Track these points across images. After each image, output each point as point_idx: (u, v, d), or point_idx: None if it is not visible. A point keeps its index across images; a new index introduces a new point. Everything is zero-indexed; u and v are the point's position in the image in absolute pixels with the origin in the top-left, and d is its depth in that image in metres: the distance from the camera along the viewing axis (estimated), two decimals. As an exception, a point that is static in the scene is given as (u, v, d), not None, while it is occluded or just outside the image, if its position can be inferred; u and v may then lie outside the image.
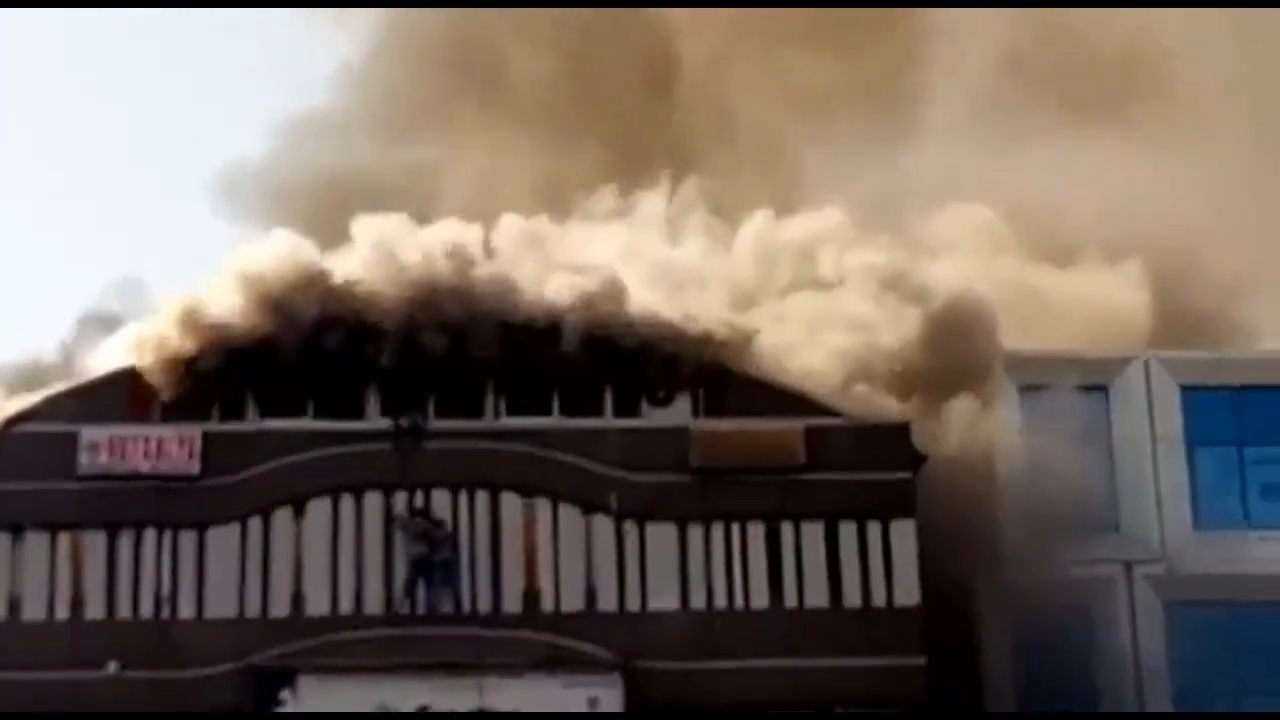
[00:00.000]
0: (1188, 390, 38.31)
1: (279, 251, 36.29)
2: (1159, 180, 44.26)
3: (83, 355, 38.58)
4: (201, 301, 35.85)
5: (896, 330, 37.34)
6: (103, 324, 39.39)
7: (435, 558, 35.26)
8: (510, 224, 38.41)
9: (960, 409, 36.97)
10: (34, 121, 68.09)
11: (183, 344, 35.51)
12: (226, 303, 35.64)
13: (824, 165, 46.96)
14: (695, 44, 49.45)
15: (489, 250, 37.28)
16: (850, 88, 47.63)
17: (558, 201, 42.51)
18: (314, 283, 35.67)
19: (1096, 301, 40.22)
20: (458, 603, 35.16)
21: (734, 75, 49.07)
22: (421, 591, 35.23)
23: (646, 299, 36.75)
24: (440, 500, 35.54)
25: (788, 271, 39.53)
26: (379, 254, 36.23)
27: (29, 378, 37.94)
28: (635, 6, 48.59)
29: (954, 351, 37.10)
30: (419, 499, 35.50)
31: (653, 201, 41.77)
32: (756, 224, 40.50)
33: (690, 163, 45.09)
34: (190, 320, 35.55)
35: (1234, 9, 47.26)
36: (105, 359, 36.94)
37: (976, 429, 36.96)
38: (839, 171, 45.83)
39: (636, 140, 47.20)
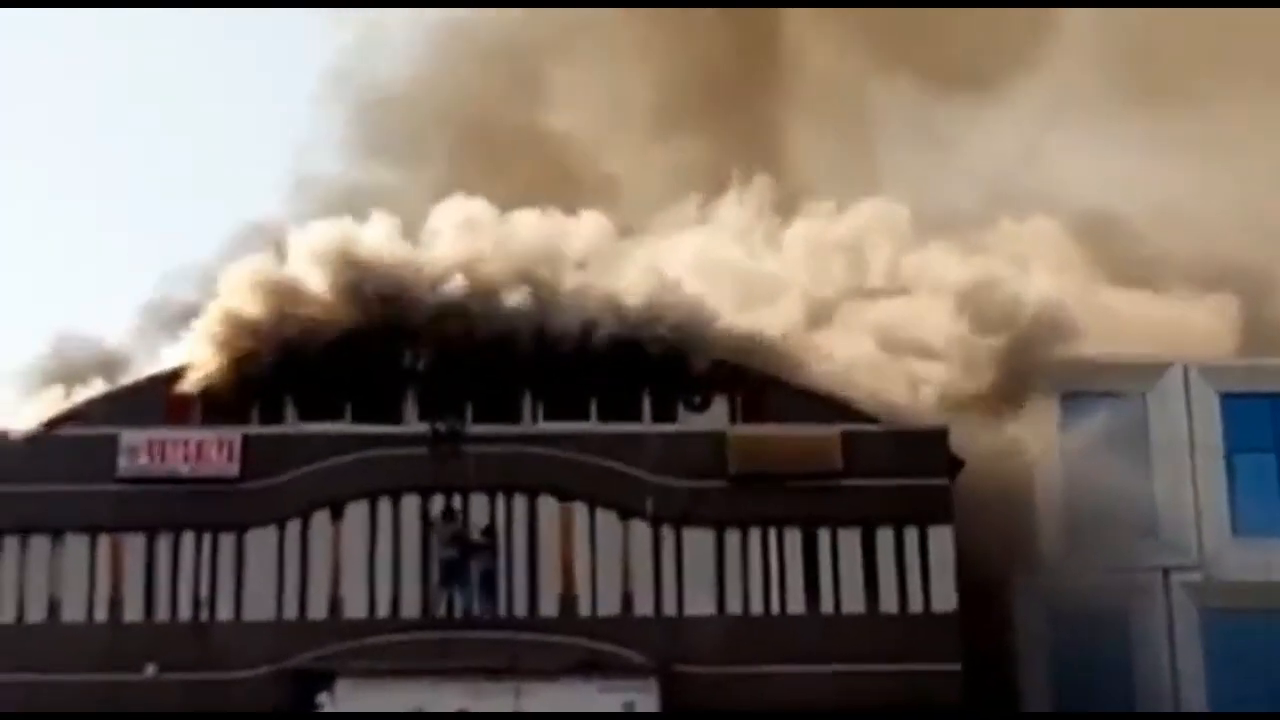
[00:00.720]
0: (1226, 397, 38.20)
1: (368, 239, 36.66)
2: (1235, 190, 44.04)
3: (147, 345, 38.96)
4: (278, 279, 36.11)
5: (974, 349, 37.37)
6: (166, 315, 39.81)
7: (470, 561, 35.31)
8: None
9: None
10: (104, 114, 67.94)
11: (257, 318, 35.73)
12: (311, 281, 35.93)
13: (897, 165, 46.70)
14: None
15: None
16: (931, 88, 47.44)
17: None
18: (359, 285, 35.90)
19: (1174, 323, 39.90)
20: (495, 607, 35.22)
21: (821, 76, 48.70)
22: (454, 595, 35.30)
23: (724, 311, 36.98)
24: (478, 504, 35.62)
25: (858, 276, 39.58)
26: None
27: (98, 366, 38.14)
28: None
29: (1028, 368, 37.08)
30: (456, 503, 35.60)
31: (727, 207, 41.83)
32: (825, 223, 40.52)
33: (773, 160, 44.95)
34: (268, 292, 35.77)
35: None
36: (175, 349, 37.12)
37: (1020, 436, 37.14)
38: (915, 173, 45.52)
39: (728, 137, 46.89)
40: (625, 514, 35.74)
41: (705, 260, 38.91)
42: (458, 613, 35.20)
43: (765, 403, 36.26)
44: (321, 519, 35.57)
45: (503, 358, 35.74)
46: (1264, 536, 37.48)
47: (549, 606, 35.47)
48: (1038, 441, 37.35)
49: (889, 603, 35.65)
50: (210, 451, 35.44)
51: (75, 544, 35.30)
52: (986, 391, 37.09)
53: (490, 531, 35.44)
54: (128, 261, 65.57)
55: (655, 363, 36.00)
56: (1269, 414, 38.19)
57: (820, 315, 38.37)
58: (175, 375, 36.26)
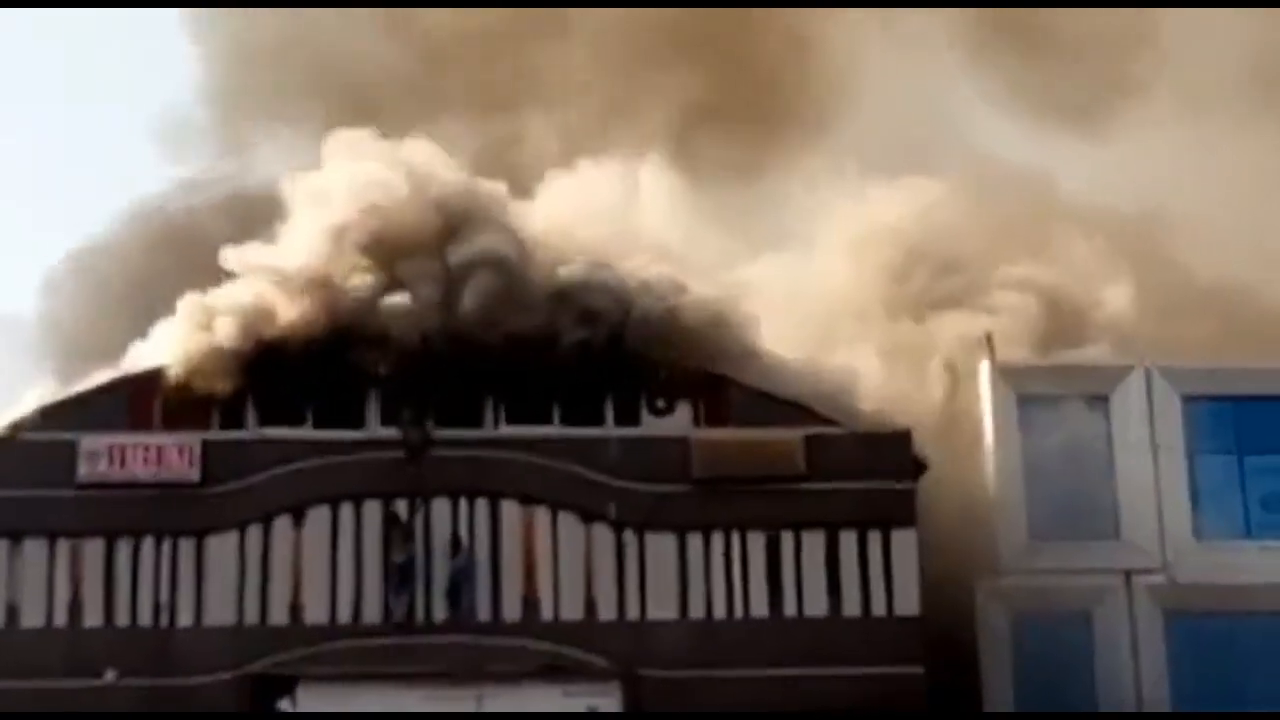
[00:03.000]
0: (1188, 400, 38.22)
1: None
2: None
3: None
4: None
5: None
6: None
7: (423, 566, 35.20)
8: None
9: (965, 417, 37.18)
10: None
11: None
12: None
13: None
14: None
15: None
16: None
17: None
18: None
19: None
20: (462, 615, 35.11)
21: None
22: (411, 600, 35.21)
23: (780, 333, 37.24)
24: (440, 509, 35.51)
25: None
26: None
27: None
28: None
29: None
30: (419, 508, 35.46)
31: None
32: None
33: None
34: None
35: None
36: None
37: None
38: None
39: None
40: (588, 518, 35.68)
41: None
42: (418, 618, 35.05)
43: (728, 406, 36.21)
44: (283, 524, 35.44)
45: (464, 361, 35.59)
46: (1227, 539, 37.52)
47: (512, 611, 35.38)
48: (1000, 444, 37.33)
49: (852, 606, 35.64)
50: (171, 456, 35.29)
51: (34, 549, 35.11)
52: None
53: (457, 542, 35.34)
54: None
55: (618, 365, 35.90)
56: (1231, 417, 38.22)
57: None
58: (136, 380, 36.10)
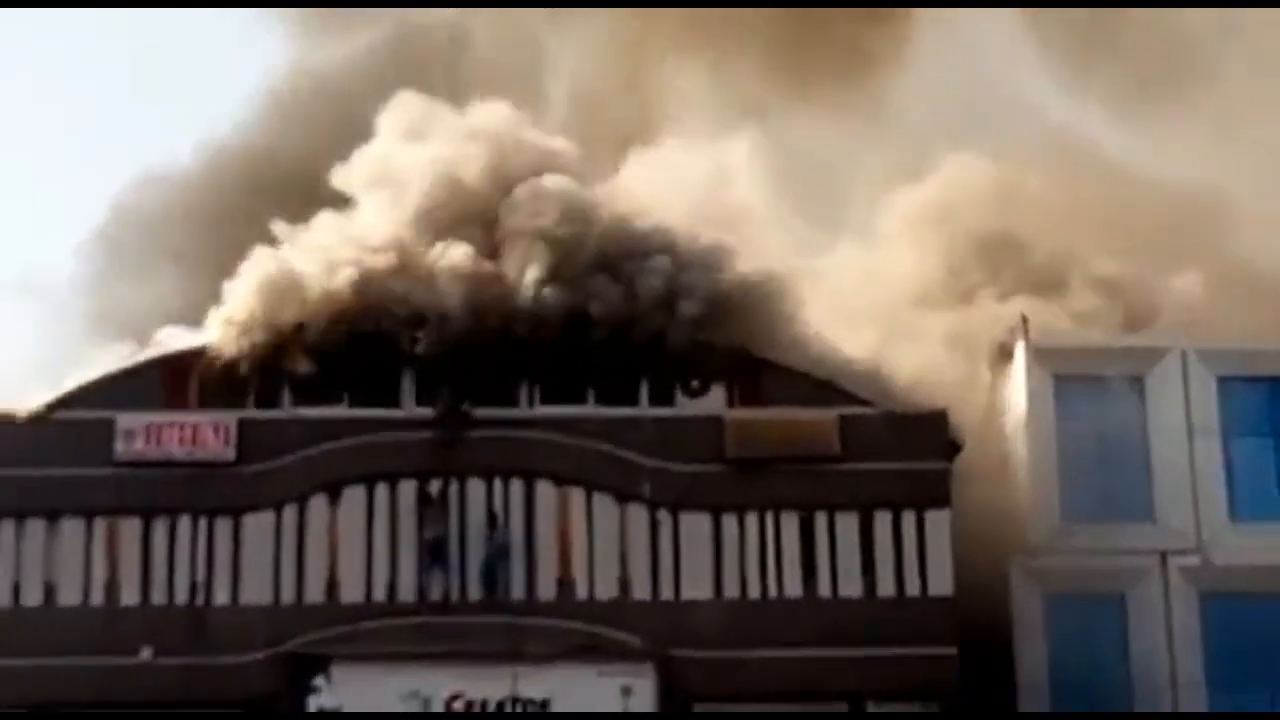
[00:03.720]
0: (1224, 381, 38.06)
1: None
2: None
3: None
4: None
5: None
6: None
7: (455, 545, 35.26)
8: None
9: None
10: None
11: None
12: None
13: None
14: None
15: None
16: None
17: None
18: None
19: None
20: (497, 594, 35.15)
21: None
22: (445, 579, 35.28)
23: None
24: (475, 489, 35.55)
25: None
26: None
27: None
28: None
29: None
30: (453, 488, 35.52)
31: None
32: None
33: None
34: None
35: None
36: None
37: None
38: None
39: None
40: (622, 498, 35.69)
41: None
42: (453, 597, 35.10)
43: (762, 387, 36.18)
44: (318, 503, 35.52)
45: (501, 341, 35.62)
46: (1262, 520, 37.31)
47: (546, 590, 35.43)
48: (1035, 425, 37.24)
49: (886, 587, 35.64)
50: (206, 435, 35.39)
51: (71, 528, 35.27)
52: None
53: (492, 521, 35.37)
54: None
55: (654, 345, 35.89)
56: (1267, 398, 38.07)
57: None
58: (172, 359, 36.21)
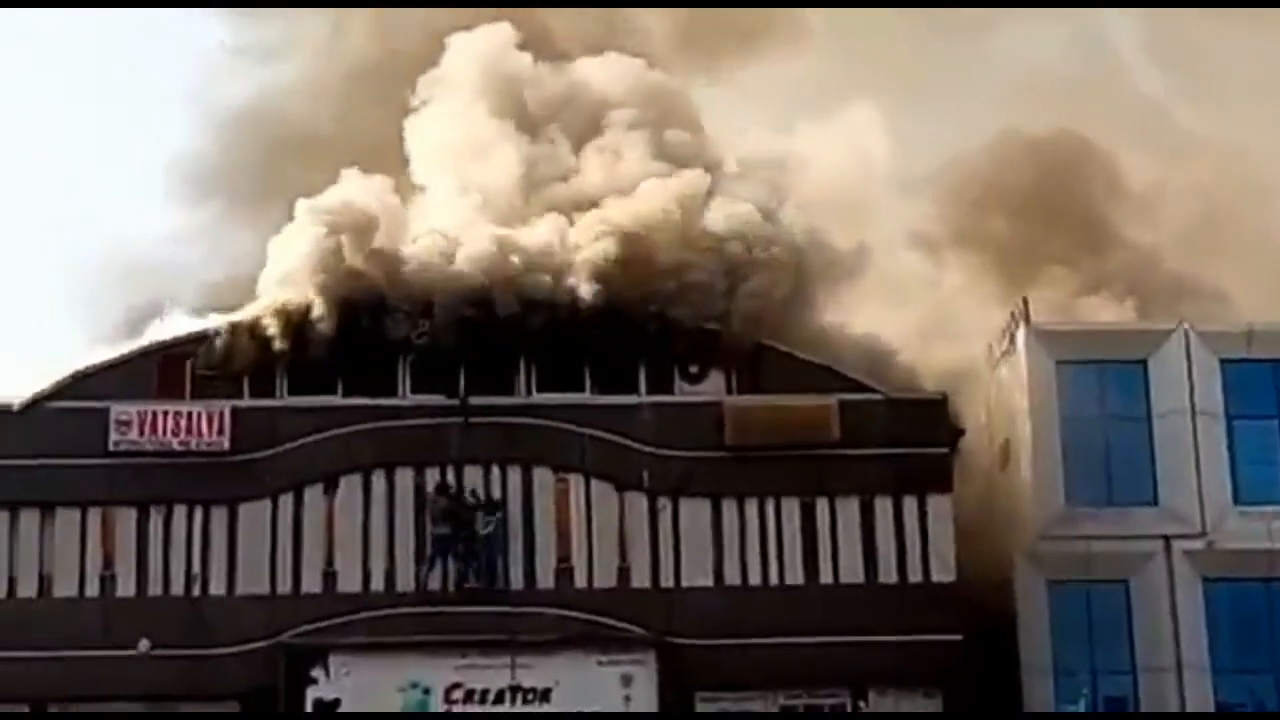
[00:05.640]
0: (1227, 363, 37.82)
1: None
2: None
3: None
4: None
5: None
6: None
7: (466, 535, 35.01)
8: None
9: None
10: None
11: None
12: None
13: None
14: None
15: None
16: None
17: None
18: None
19: None
20: (495, 582, 34.95)
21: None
22: (442, 569, 35.00)
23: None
24: (472, 476, 35.30)
25: None
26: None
27: None
28: None
29: None
30: (450, 476, 35.28)
31: None
32: None
33: None
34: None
35: None
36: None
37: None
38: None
39: None
40: (621, 485, 35.47)
41: None
42: (451, 586, 34.87)
43: (761, 372, 35.93)
44: (314, 493, 35.30)
45: (498, 329, 35.37)
46: (1265, 504, 37.16)
47: (545, 579, 35.21)
48: (1037, 409, 37.02)
49: (888, 573, 35.44)
50: (201, 425, 35.13)
51: (66, 519, 35.08)
52: None
53: (493, 506, 35.12)
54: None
55: (651, 332, 35.65)
56: (1270, 380, 37.83)
57: None
58: (167, 348, 35.96)
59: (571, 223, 36.69)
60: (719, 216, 36.62)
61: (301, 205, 36.49)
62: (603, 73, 39.87)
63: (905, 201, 43.51)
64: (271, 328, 35.25)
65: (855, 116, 41.84)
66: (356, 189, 37.14)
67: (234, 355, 35.45)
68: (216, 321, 35.94)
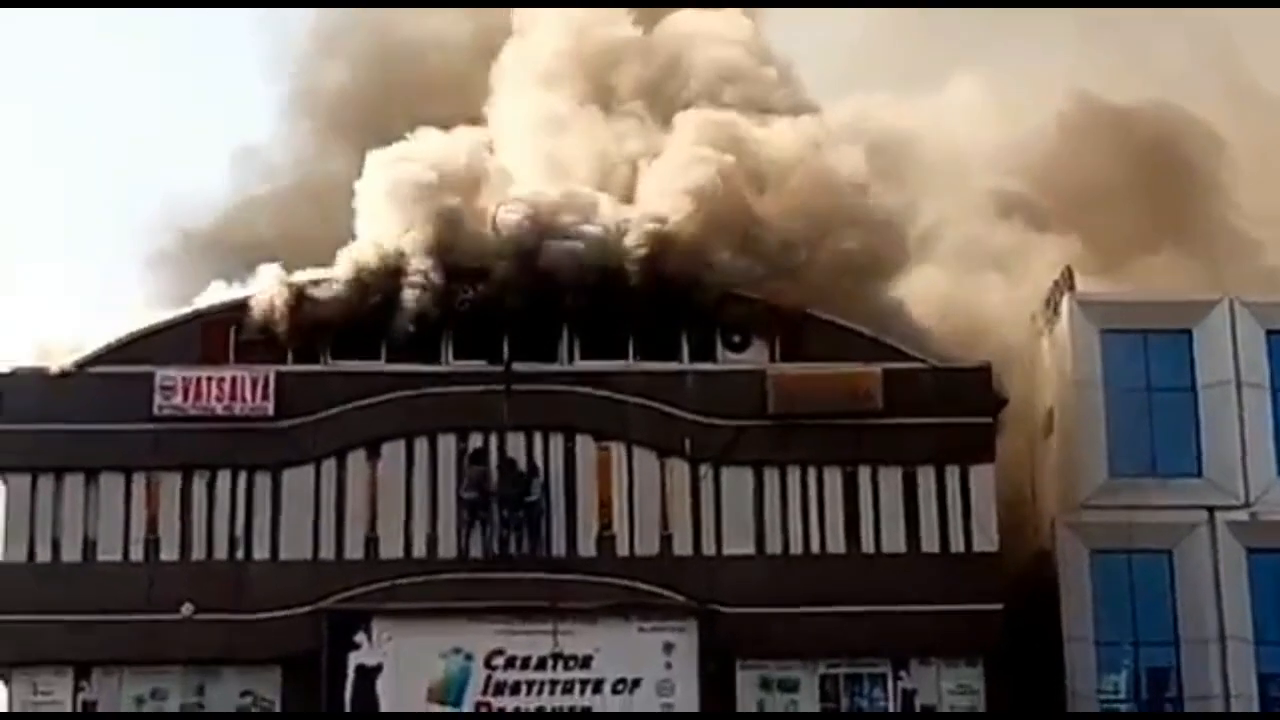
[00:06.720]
0: (1273, 334, 37.61)
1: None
2: None
3: None
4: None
5: None
6: None
7: (505, 500, 35.02)
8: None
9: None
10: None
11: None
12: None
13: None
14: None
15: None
16: None
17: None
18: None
19: None
20: (534, 547, 34.98)
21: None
22: (485, 534, 35.04)
23: None
24: (515, 444, 35.32)
25: None
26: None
27: None
28: None
29: None
30: (493, 443, 35.31)
31: None
32: None
33: None
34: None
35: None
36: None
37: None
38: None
39: None
40: (664, 453, 35.45)
41: None
42: (493, 552, 34.91)
43: (804, 341, 35.85)
44: (357, 458, 35.34)
45: (542, 296, 35.36)
46: (1311, 475, 37.03)
47: (587, 546, 35.23)
48: (1081, 378, 36.87)
49: (930, 542, 35.40)
50: (244, 389, 35.21)
51: (110, 483, 35.17)
52: None
53: (533, 473, 35.13)
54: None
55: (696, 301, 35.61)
56: (1317, 351, 37.65)
57: None
58: (211, 312, 36.04)
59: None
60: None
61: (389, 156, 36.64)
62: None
63: (1000, 176, 43.22)
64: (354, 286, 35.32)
65: (958, 87, 41.73)
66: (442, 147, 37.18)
67: (291, 317, 35.42)
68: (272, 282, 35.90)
